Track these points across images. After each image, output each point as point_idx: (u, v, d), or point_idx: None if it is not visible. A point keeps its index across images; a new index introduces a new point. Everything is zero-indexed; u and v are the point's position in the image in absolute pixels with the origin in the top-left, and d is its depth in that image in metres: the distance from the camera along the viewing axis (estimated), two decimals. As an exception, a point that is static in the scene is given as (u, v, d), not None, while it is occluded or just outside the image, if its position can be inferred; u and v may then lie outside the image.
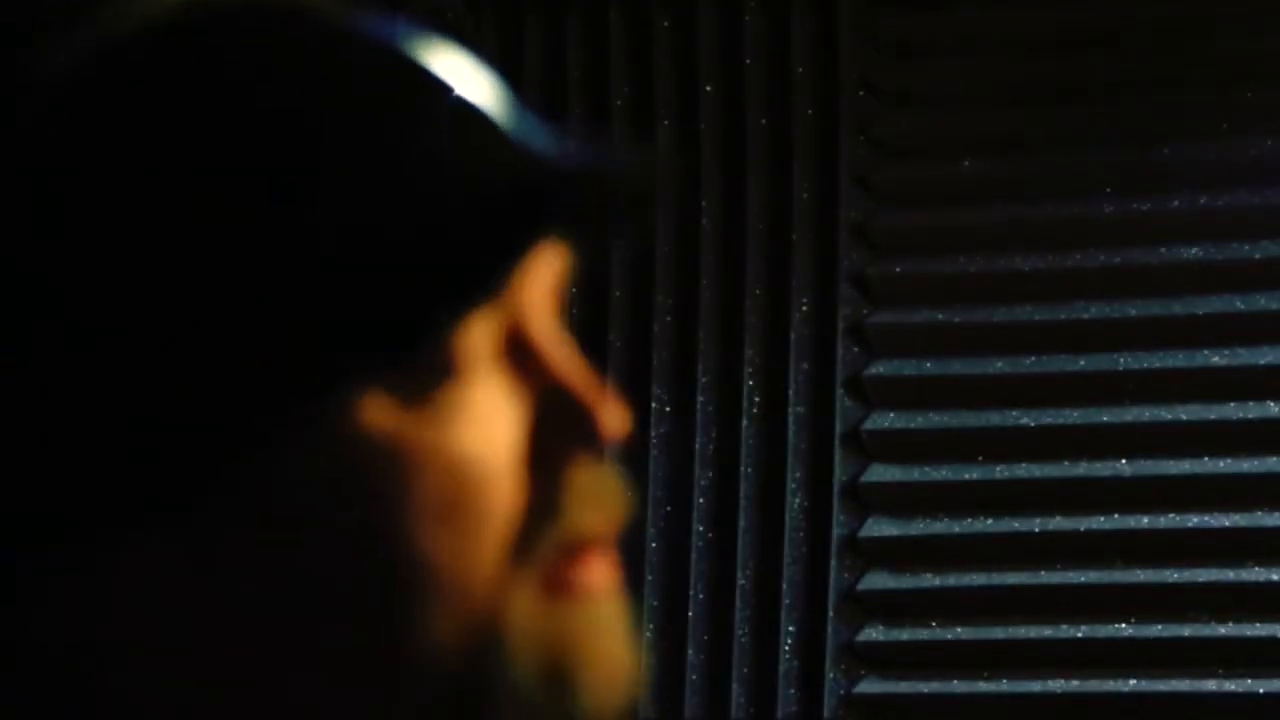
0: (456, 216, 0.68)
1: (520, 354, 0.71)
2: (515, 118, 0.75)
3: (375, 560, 0.68)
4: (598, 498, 0.71)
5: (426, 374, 0.69)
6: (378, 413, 0.68)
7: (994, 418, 3.36)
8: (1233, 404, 3.27)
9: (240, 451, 0.66)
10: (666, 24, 3.54)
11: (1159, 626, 3.26)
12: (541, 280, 0.72)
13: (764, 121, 3.49)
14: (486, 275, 0.68)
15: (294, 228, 0.68)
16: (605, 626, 0.71)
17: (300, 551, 0.68)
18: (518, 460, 0.70)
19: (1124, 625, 3.28)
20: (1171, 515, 3.27)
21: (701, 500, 3.45)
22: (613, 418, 0.71)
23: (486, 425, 0.69)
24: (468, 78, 0.74)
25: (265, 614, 0.68)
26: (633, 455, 3.51)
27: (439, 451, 0.69)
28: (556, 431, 0.70)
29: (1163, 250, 3.32)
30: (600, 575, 0.71)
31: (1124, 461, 3.30)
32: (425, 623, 0.68)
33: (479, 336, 0.70)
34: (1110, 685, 3.26)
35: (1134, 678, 3.26)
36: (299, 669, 0.69)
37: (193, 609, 0.68)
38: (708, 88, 3.51)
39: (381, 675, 0.68)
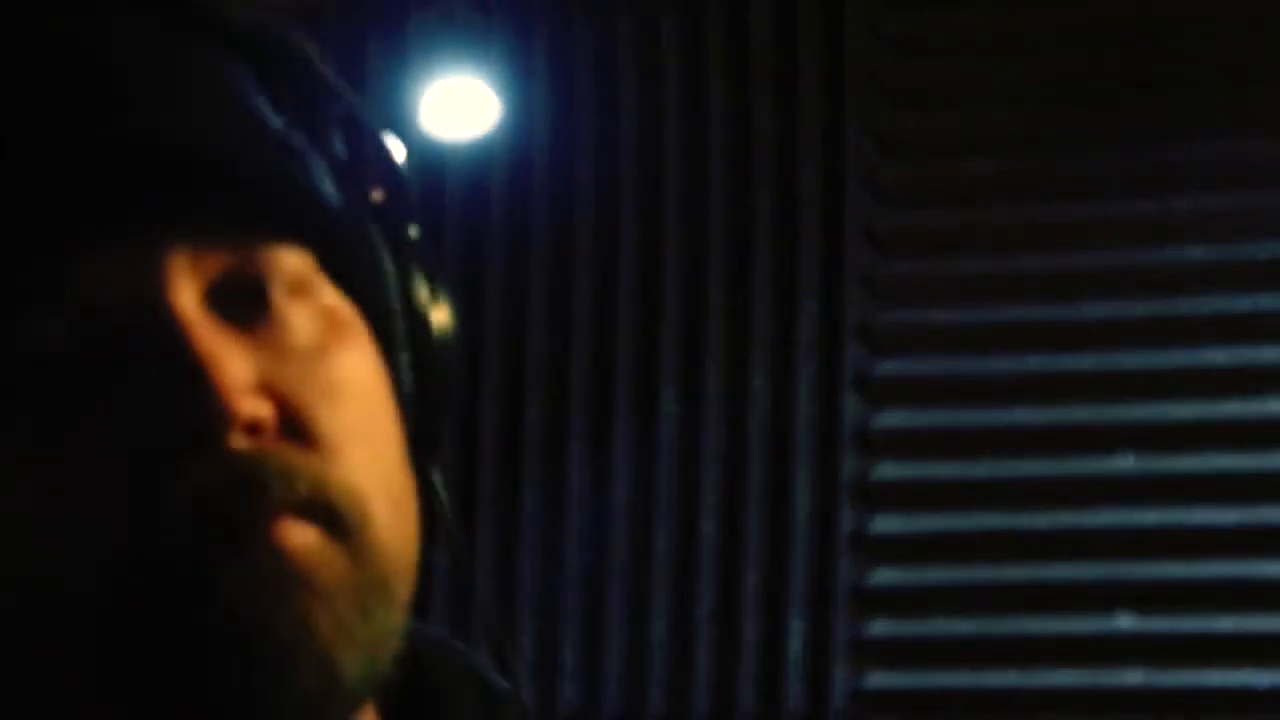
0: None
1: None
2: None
3: None
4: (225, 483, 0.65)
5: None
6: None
7: (1000, 415, 3.39)
8: (1236, 401, 3.30)
9: None
10: (674, 24, 3.54)
11: (1164, 620, 3.30)
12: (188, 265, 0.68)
13: (771, 122, 3.50)
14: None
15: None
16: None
17: None
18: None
19: (1129, 619, 3.31)
20: (1175, 511, 3.30)
21: (710, 498, 3.47)
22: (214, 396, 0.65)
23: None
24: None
25: None
26: (642, 454, 3.52)
27: None
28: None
29: (1167, 250, 3.35)
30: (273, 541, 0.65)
31: (1129, 458, 3.33)
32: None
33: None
34: (1116, 678, 3.30)
35: (1139, 670, 3.30)
36: None
37: None
38: (715, 88, 3.52)
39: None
